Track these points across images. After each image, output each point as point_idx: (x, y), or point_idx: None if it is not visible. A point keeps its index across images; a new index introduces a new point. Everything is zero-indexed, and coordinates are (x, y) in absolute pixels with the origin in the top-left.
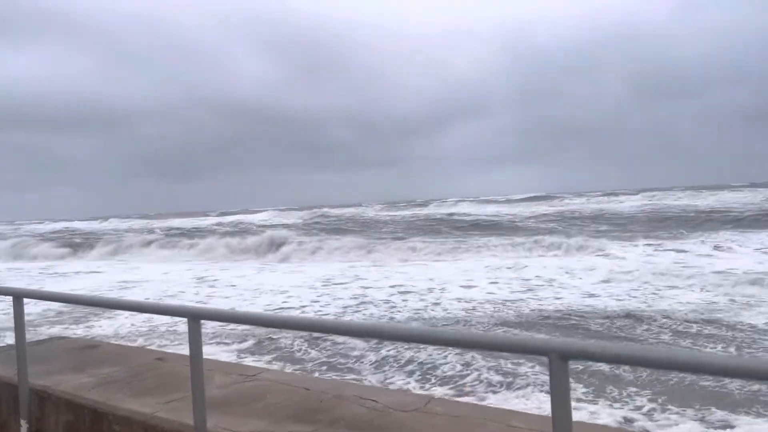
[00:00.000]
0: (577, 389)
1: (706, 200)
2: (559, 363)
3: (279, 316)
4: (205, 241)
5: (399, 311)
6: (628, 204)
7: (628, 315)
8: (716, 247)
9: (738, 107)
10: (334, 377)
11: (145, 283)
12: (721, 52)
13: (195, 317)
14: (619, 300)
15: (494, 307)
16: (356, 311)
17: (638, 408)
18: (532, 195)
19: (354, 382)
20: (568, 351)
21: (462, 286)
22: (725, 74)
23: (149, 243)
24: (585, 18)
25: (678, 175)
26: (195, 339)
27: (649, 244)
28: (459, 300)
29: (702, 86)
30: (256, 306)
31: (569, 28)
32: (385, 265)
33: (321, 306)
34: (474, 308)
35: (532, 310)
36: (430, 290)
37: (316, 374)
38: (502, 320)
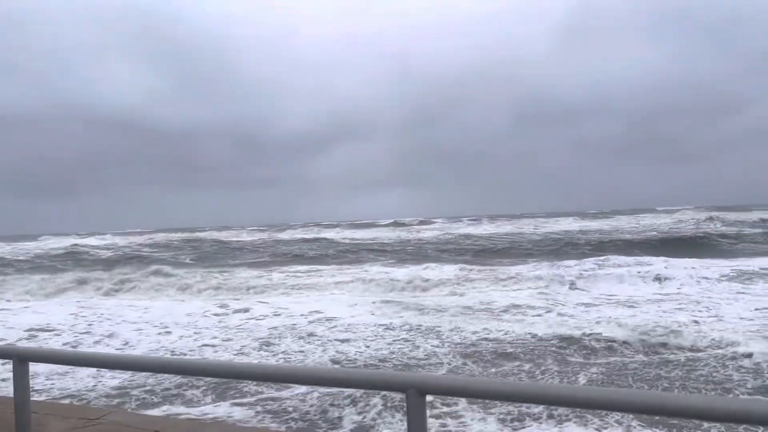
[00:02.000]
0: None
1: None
2: (417, 398)
3: (120, 356)
4: None
5: None
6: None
7: None
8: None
9: (606, 140)
10: (192, 416)
11: None
12: (596, 87)
13: (22, 359)
14: None
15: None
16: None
17: None
18: (393, 220)
19: (213, 421)
20: (426, 386)
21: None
22: (597, 108)
23: None
24: (473, 48)
25: (549, 201)
26: (21, 383)
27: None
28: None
29: (576, 118)
30: None
31: (457, 57)
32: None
33: None
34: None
35: None
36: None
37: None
38: None
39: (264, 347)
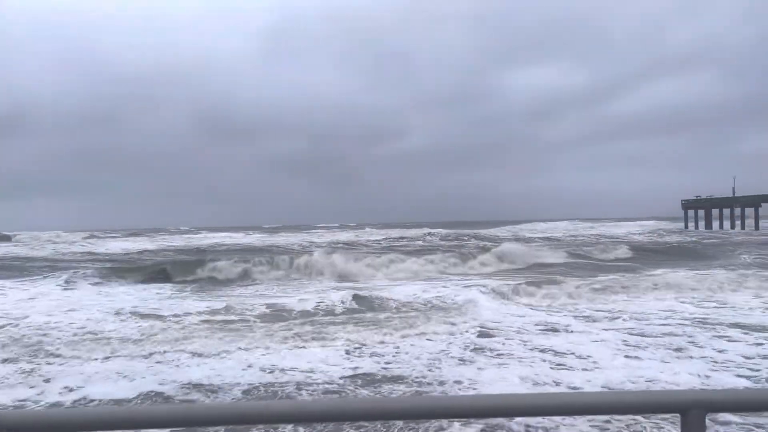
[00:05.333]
0: None
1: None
2: None
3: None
4: None
5: None
6: None
7: None
8: None
9: (283, 157)
10: None
11: None
12: (282, 106)
13: None
14: None
15: None
16: None
17: None
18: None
19: None
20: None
21: None
22: (281, 126)
23: None
24: (164, 48)
25: (225, 215)
26: None
27: None
28: None
29: (256, 133)
30: None
31: (147, 56)
32: None
33: None
34: None
35: None
36: None
37: None
38: None
39: None
